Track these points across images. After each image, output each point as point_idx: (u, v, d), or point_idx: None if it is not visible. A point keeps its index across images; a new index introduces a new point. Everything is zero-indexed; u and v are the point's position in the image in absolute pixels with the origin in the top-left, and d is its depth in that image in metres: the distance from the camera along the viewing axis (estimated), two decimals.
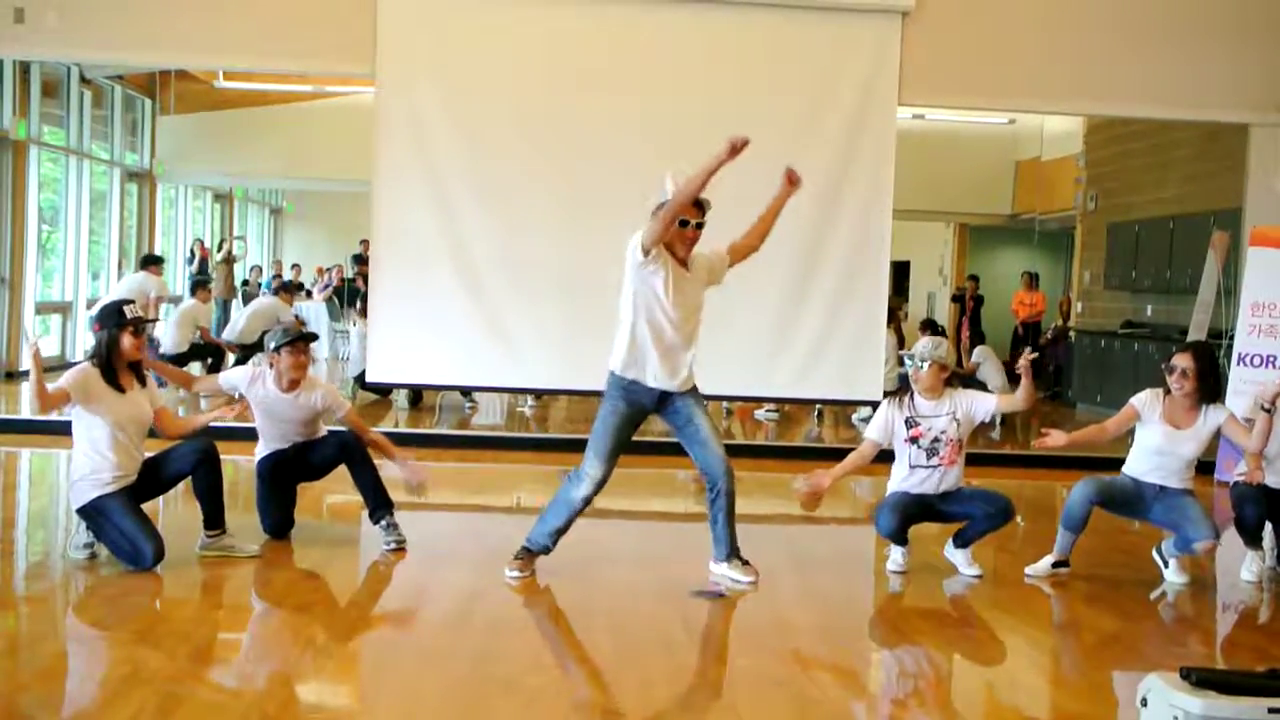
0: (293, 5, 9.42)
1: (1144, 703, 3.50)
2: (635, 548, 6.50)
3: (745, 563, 5.45)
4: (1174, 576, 5.77)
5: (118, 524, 5.23)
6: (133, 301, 5.48)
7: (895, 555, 5.79)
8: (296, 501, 6.10)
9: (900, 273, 19.29)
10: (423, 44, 9.53)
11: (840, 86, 9.70)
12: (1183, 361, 5.63)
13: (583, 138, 9.51)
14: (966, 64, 9.72)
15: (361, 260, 12.11)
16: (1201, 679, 3.41)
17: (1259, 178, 10.22)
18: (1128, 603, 5.52)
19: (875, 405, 10.75)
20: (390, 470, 6.08)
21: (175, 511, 6.57)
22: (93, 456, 5.29)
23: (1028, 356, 5.65)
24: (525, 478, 8.56)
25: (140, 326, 5.37)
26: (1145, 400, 5.74)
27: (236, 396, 6.01)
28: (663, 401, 5.28)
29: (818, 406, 11.73)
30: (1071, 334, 14.73)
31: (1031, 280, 16.49)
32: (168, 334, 11.50)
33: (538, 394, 11.26)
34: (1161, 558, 5.85)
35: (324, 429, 6.11)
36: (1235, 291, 10.28)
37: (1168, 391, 5.68)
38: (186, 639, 4.49)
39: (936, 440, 5.62)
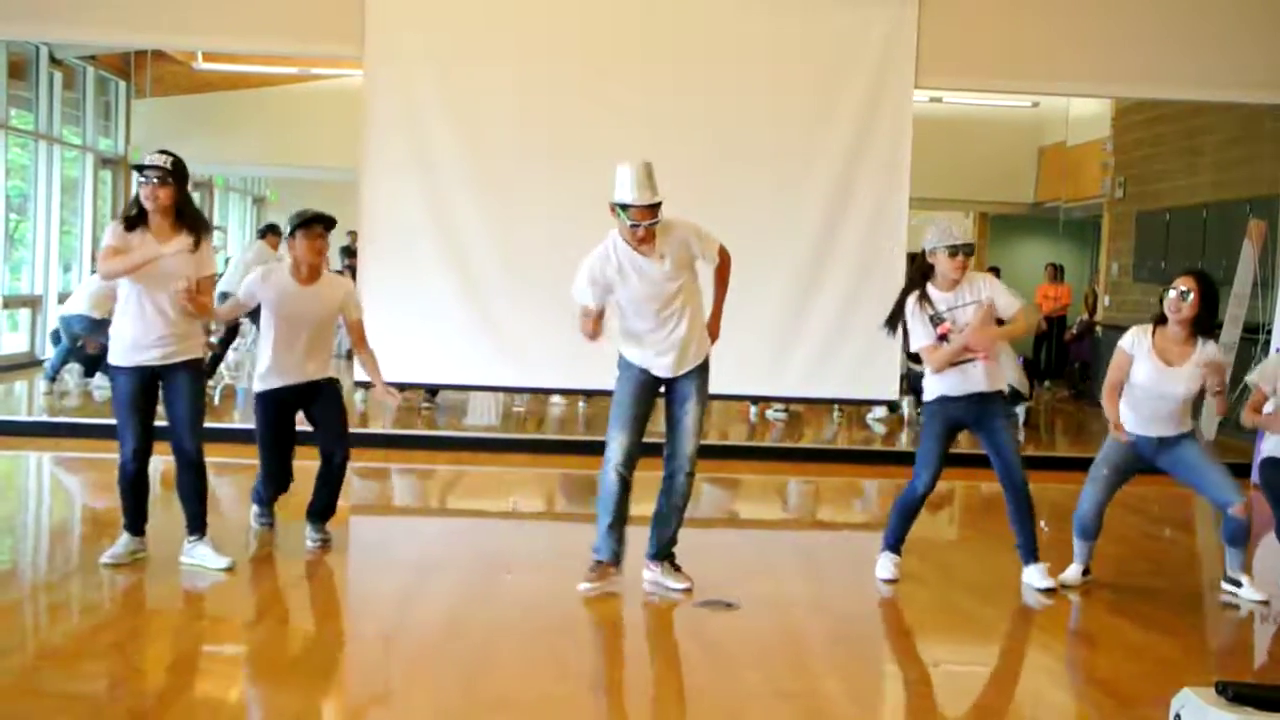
0: None
1: (1177, 719, 3.50)
2: (637, 555, 6.48)
3: (678, 568, 5.45)
4: (1249, 594, 5.64)
5: (115, 408, 5.37)
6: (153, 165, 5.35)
7: (885, 563, 5.77)
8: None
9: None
10: (413, 23, 9.48)
11: (854, 68, 9.65)
12: (1185, 284, 5.46)
13: (583, 123, 9.45)
14: (987, 43, 9.66)
15: (350, 253, 12.04)
16: (1238, 694, 3.40)
17: None
18: (1158, 613, 5.50)
19: (890, 405, 10.90)
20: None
21: (156, 519, 6.58)
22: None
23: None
24: (521, 481, 8.56)
25: (148, 174, 5.26)
26: (1132, 337, 5.58)
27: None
28: (670, 380, 5.36)
29: (836, 406, 11.72)
30: (1098, 329, 14.71)
31: (1056, 272, 16.46)
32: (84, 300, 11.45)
33: (521, 392, 11.25)
34: (1231, 580, 5.71)
35: (331, 366, 6.09)
36: (1273, 283, 10.25)
37: (1159, 324, 5.54)
38: (166, 651, 4.49)
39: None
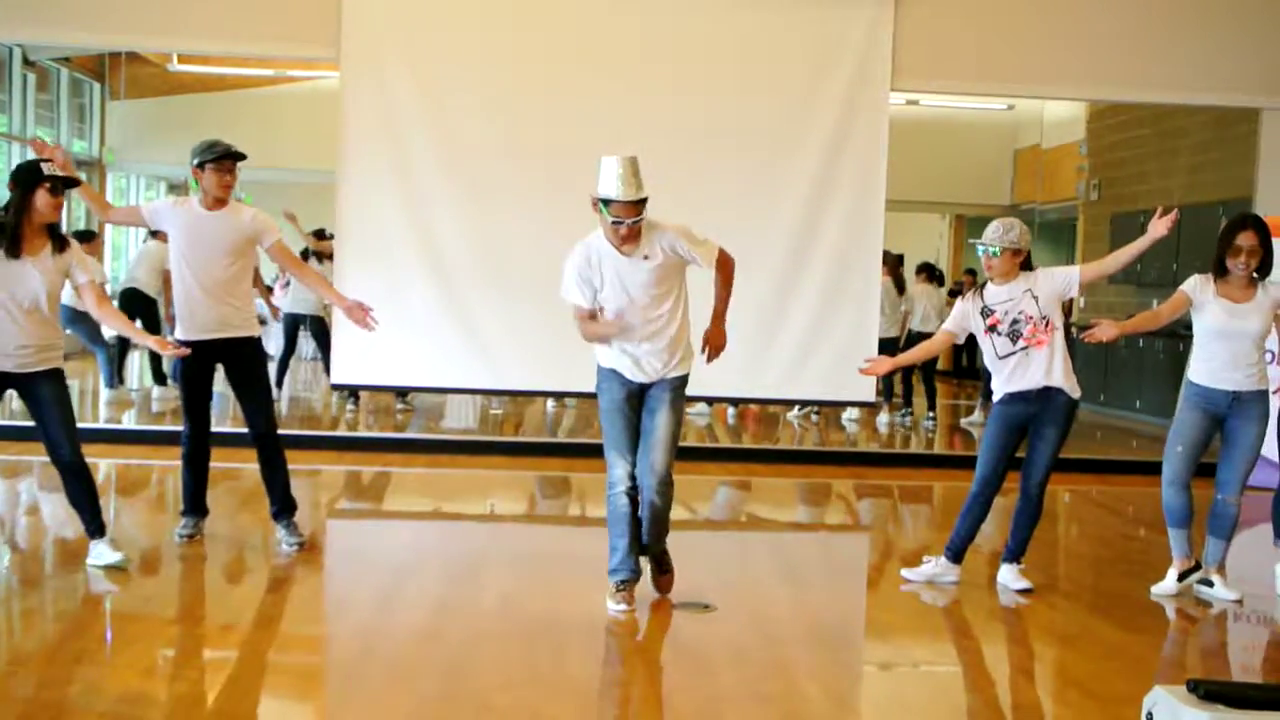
0: None
1: (1149, 717, 3.52)
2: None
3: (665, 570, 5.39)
4: (1222, 593, 5.69)
5: None
6: (50, 160, 5.37)
7: (923, 569, 5.83)
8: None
9: None
10: (389, 26, 9.46)
11: (831, 71, 9.66)
12: (1248, 240, 5.50)
13: (559, 124, 9.44)
14: (963, 47, 9.71)
15: (319, 256, 11.80)
16: (1209, 692, 3.42)
17: (1270, 164, 10.24)
18: (1133, 612, 5.54)
19: (866, 405, 10.94)
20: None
21: (125, 526, 6.53)
22: None
23: (1165, 219, 5.43)
24: (498, 483, 8.54)
25: (58, 185, 5.26)
26: (1195, 284, 5.63)
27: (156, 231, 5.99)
28: (646, 386, 5.16)
29: (814, 408, 11.77)
30: (1074, 330, 14.78)
31: None
32: (139, 273, 11.45)
33: (498, 395, 11.23)
34: (1204, 580, 5.76)
35: (254, 316, 6.04)
36: None
37: (1219, 275, 5.59)
38: (140, 656, 4.46)
39: (1016, 321, 5.52)
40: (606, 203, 4.93)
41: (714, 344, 5.26)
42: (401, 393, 11.30)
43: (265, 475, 6.03)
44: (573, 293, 5.11)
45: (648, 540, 5.26)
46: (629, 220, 4.93)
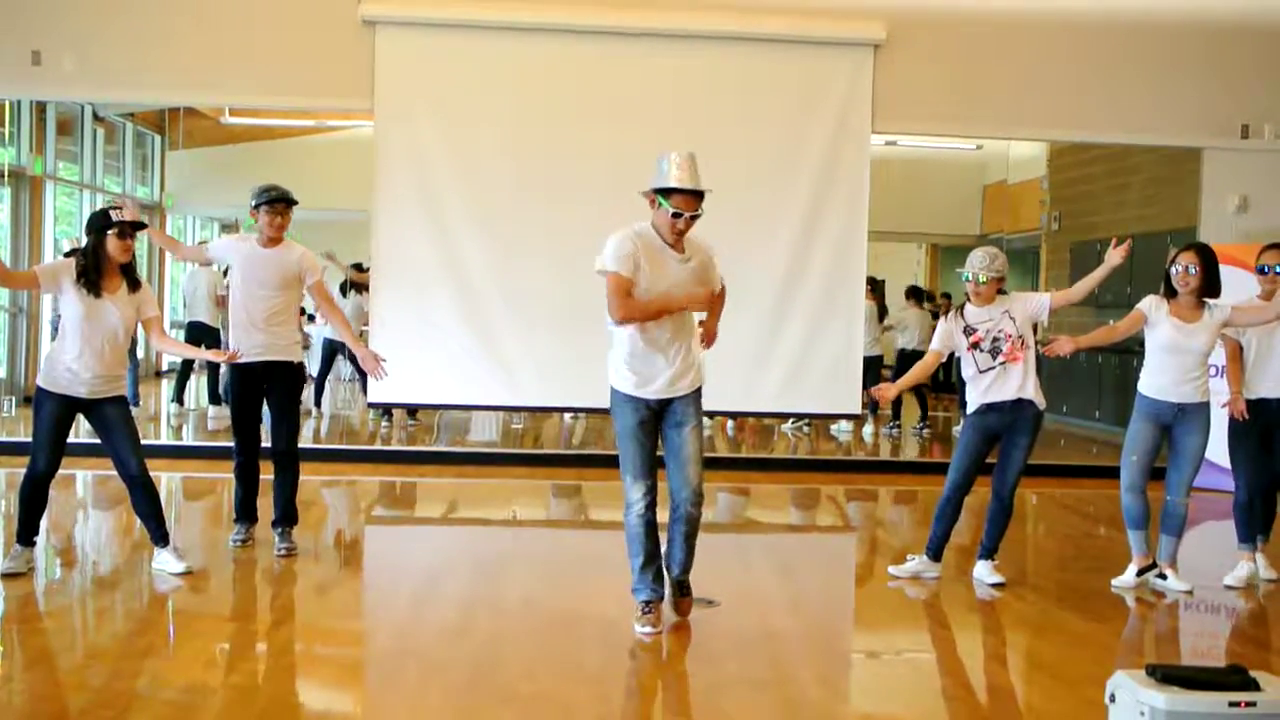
0: (294, 44, 9.42)
1: (1112, 699, 3.50)
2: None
3: (686, 594, 5.00)
4: (1175, 585, 5.69)
5: (36, 423, 5.29)
6: (120, 207, 5.43)
7: (909, 566, 5.80)
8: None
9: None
10: (419, 80, 9.53)
11: (816, 116, 9.71)
12: (1188, 259, 5.53)
13: (571, 168, 9.49)
14: (935, 94, 9.76)
15: (356, 288, 11.84)
16: (1166, 675, 3.41)
17: (1211, 198, 10.29)
18: (1095, 604, 5.52)
19: (853, 418, 10.93)
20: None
21: (196, 524, 6.53)
22: (58, 344, 5.33)
23: (1120, 249, 5.53)
24: (519, 492, 8.54)
25: (126, 230, 5.31)
26: (1150, 303, 5.65)
27: (220, 271, 6.11)
28: (665, 404, 4.76)
29: (806, 420, 11.75)
30: (1039, 348, 14.74)
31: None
32: (199, 307, 11.63)
33: (519, 411, 11.24)
34: (1159, 574, 5.74)
35: (297, 348, 6.07)
36: None
37: (1169, 296, 5.61)
38: (199, 651, 4.46)
39: (996, 339, 5.54)
40: (666, 195, 4.57)
41: (709, 333, 4.92)
42: (411, 410, 11.30)
43: (275, 486, 6.02)
44: (618, 263, 4.53)
45: (679, 571, 4.93)
46: (689, 213, 4.58)
